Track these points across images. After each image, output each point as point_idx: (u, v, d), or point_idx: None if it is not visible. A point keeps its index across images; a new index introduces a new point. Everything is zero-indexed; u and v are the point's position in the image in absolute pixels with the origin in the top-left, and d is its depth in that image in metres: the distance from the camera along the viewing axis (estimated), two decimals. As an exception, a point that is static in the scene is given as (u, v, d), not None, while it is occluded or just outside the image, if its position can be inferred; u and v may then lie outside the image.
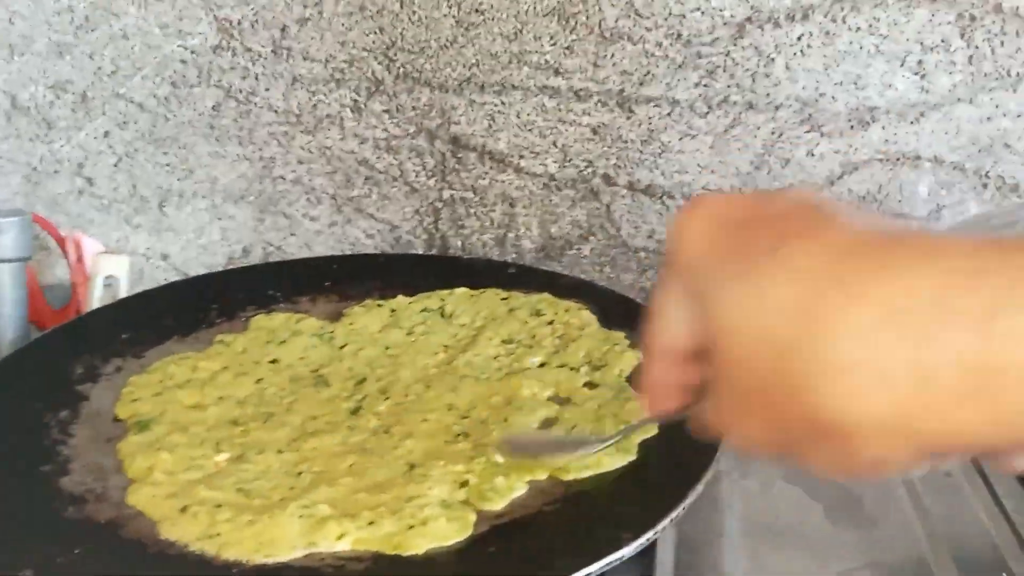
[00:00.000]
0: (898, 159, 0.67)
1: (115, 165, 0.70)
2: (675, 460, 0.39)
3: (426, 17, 0.65)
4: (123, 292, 0.63)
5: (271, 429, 0.45)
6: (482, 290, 0.59)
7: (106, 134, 0.69)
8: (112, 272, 0.63)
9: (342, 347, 0.53)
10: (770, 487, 0.48)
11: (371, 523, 0.35)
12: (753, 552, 0.42)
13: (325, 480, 0.39)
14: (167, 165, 0.70)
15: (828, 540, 0.43)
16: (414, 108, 0.68)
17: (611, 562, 0.31)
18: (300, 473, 0.40)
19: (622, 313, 0.55)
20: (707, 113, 0.67)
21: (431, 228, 0.71)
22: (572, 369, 0.49)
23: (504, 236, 0.71)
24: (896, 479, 0.48)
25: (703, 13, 0.64)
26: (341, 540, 0.34)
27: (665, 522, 0.33)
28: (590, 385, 0.48)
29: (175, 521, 0.36)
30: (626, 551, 0.32)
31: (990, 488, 0.48)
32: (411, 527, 0.35)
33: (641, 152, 0.68)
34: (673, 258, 0.28)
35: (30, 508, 0.37)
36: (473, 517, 0.36)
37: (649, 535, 0.32)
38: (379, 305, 0.58)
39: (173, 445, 0.42)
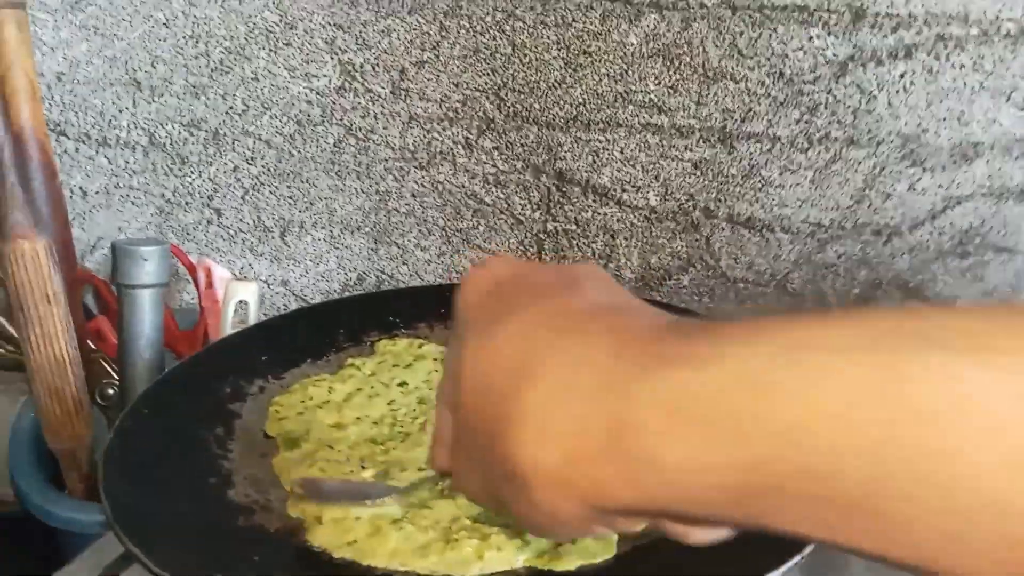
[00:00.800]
0: (1002, 194, 0.67)
1: (242, 198, 0.75)
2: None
3: (536, 59, 0.69)
4: (252, 316, 0.67)
5: (408, 448, 0.47)
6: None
7: (235, 168, 0.74)
8: (243, 297, 0.67)
9: (463, 372, 0.56)
10: None
11: (527, 541, 0.37)
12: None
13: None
14: (290, 198, 0.74)
15: None
16: (522, 145, 0.71)
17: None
18: (442, 491, 0.43)
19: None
20: (808, 149, 0.68)
21: (535, 258, 0.74)
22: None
23: (605, 266, 0.73)
24: None
25: (805, 52, 0.66)
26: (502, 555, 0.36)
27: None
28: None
29: (349, 548, 0.38)
30: (784, 568, 0.33)
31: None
32: (559, 545, 0.37)
33: (741, 186, 0.70)
34: (455, 311, 0.31)
35: (206, 517, 0.40)
36: (615, 537, 0.38)
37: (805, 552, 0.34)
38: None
39: (322, 461, 0.45)
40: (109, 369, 0.70)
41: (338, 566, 0.37)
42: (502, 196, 0.73)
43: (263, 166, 0.74)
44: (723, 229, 0.71)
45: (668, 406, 0.22)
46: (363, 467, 0.45)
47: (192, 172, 0.75)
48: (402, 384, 0.55)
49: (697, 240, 0.72)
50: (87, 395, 0.66)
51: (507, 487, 0.25)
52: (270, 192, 0.75)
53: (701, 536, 0.26)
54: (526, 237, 0.73)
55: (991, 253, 0.68)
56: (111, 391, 0.70)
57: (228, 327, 0.65)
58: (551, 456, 0.24)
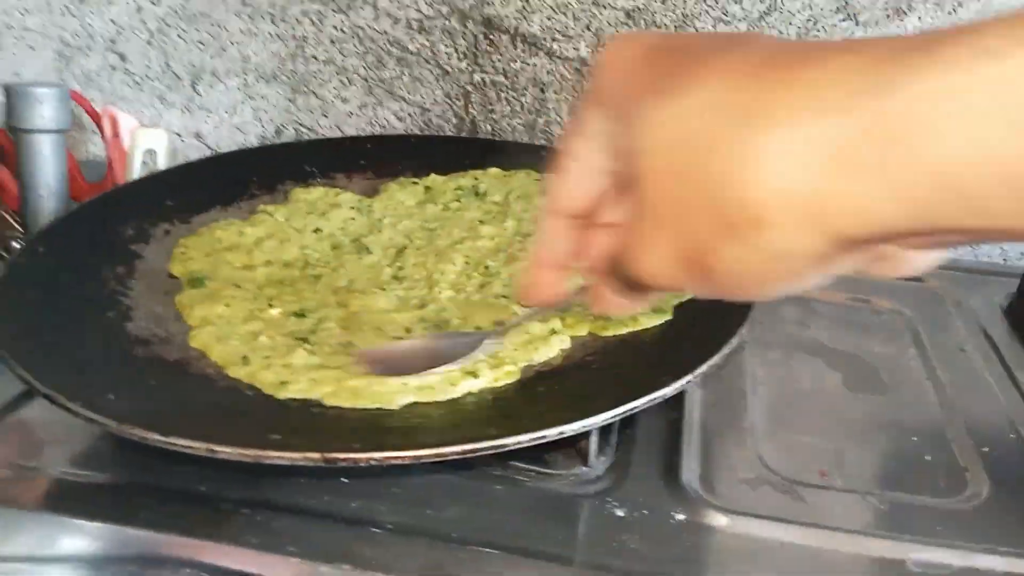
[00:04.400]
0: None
1: (147, 41, 0.70)
2: (706, 321, 0.41)
3: None
4: (161, 166, 0.64)
5: (320, 288, 0.47)
6: (514, 171, 0.60)
7: (139, 9, 0.69)
8: (151, 146, 0.64)
9: (380, 219, 0.55)
10: (790, 357, 0.50)
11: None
12: (773, 412, 0.44)
13: (386, 332, 0.41)
14: (200, 42, 0.70)
15: (846, 404, 0.46)
16: (448, -13, 0.67)
17: (653, 399, 0.34)
18: (357, 326, 0.42)
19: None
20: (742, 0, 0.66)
21: (461, 112, 0.72)
22: (605, 243, 0.51)
23: (535, 121, 0.71)
24: (907, 352, 0.51)
25: None
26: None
27: (703, 368, 0.35)
28: (623, 257, 0.49)
29: (241, 368, 0.38)
30: (667, 390, 0.34)
31: (1002, 361, 0.50)
32: (468, 372, 0.37)
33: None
34: (594, 89, 0.28)
35: (102, 347, 0.39)
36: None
37: (688, 378, 0.35)
38: (414, 183, 0.59)
39: (228, 298, 0.44)
40: (12, 221, 0.67)
41: (226, 390, 0.36)
42: (427, 44, 0.69)
43: (169, 7, 0.69)
44: (654, 84, 0.70)
45: (945, 97, 0.21)
46: (271, 305, 0.44)
47: (92, 12, 0.69)
48: (316, 231, 0.53)
49: (627, 95, 0.70)
50: (-12, 246, 0.63)
51: (728, 241, 0.24)
52: (178, 36, 0.70)
53: (921, 262, 0.25)
54: (452, 88, 0.71)
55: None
56: (16, 244, 0.66)
57: (135, 177, 0.62)
58: (797, 185, 0.22)
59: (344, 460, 0.30)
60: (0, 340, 0.35)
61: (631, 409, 0.33)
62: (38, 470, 0.38)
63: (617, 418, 0.33)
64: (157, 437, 0.30)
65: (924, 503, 0.38)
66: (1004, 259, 0.68)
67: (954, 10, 0.65)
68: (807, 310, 0.55)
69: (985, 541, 0.36)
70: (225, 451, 0.30)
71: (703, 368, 0.35)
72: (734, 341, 0.37)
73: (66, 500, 0.36)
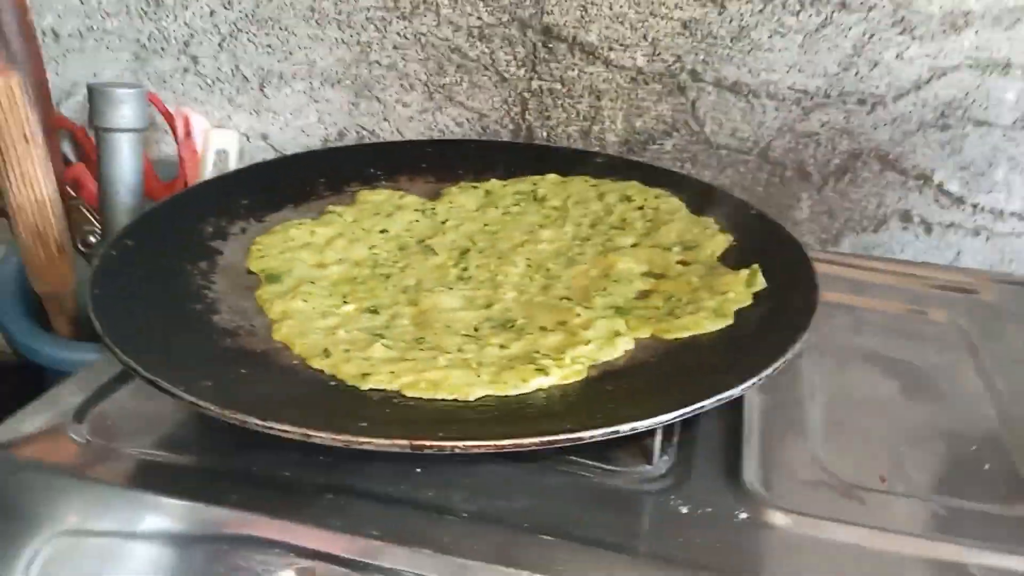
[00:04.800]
0: (987, 66, 0.67)
1: (219, 45, 0.73)
2: (768, 326, 0.42)
3: (526, -96, 0.66)
4: (232, 165, 0.67)
5: (390, 287, 0.48)
6: (572, 176, 0.62)
7: (211, 13, 0.72)
8: (222, 147, 0.67)
9: (444, 222, 0.57)
10: (846, 365, 0.51)
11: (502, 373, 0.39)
12: (831, 417, 0.45)
13: (456, 330, 0.43)
14: (268, 46, 0.73)
15: (903, 412, 0.46)
16: (509, -3, 0.69)
17: (720, 399, 0.35)
18: (428, 323, 0.44)
19: (709, 201, 0.57)
20: (799, 11, 0.67)
21: (518, 118, 0.73)
22: (665, 249, 0.52)
23: (589, 128, 0.73)
24: (964, 362, 0.51)
25: (804, -93, 0.64)
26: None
27: (769, 371, 0.36)
28: (683, 264, 0.51)
29: (323, 360, 0.40)
30: (733, 392, 0.35)
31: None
32: (539, 369, 0.39)
33: (730, 49, 0.69)
34: None
35: (192, 338, 0.41)
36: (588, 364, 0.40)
37: (754, 381, 0.36)
38: (474, 187, 0.61)
39: (305, 294, 0.46)
40: (90, 216, 0.70)
41: (309, 380, 0.38)
42: (486, 51, 0.71)
43: (240, 11, 0.71)
44: (709, 93, 0.71)
45: None
46: (345, 301, 0.46)
47: (167, 16, 0.72)
48: (383, 231, 0.55)
49: (682, 104, 0.71)
50: (69, 238, 0.66)
51: None
52: (248, 40, 0.72)
53: None
54: (510, 95, 0.73)
55: (971, 126, 0.69)
56: (93, 238, 0.70)
57: (207, 175, 0.65)
58: None
59: (431, 447, 0.32)
60: (104, 328, 0.37)
61: (700, 408, 0.34)
62: (125, 451, 0.40)
63: (686, 416, 0.34)
64: (256, 422, 0.32)
65: (985, 510, 0.39)
66: (1014, 266, 0.69)
67: (1011, 26, 0.65)
68: (861, 319, 0.56)
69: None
70: (319, 436, 0.31)
71: (770, 370, 0.36)
72: (798, 345, 0.39)
73: (153, 479, 0.38)
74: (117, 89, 0.63)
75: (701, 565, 0.35)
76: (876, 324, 0.55)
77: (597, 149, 0.73)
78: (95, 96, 0.63)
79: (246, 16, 0.72)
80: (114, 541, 0.38)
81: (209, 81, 0.74)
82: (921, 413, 0.46)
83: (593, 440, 0.33)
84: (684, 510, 0.38)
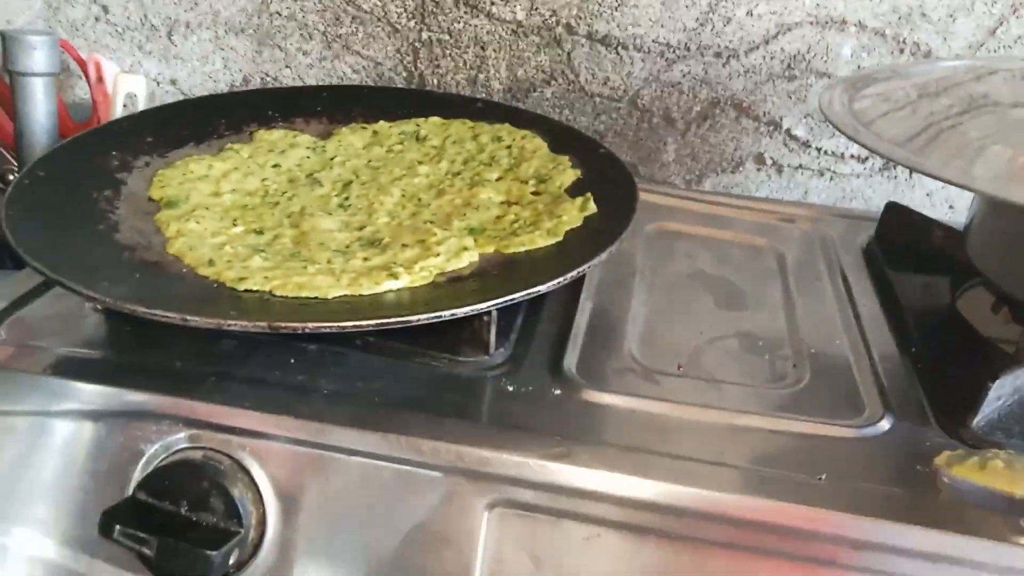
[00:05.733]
0: (826, 23, 0.76)
1: (127, -6, 0.77)
2: (589, 243, 0.50)
3: None
4: (141, 108, 0.72)
5: (277, 213, 0.55)
6: (453, 120, 0.69)
7: (118, -36, 0.76)
8: (131, 90, 0.72)
9: (332, 158, 0.64)
10: (674, 282, 0.60)
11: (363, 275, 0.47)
12: (648, 323, 0.54)
13: (329, 247, 0.50)
14: (174, -3, 0.77)
15: (711, 319, 0.56)
16: (398, -47, 0.75)
17: (529, 293, 0.43)
18: (305, 242, 0.51)
19: (570, 141, 0.65)
20: (660, -29, 0.75)
21: (410, 66, 0.80)
22: (523, 182, 0.60)
23: (475, 76, 0.80)
24: (773, 281, 0.61)
25: None
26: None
27: (573, 274, 0.45)
28: (536, 194, 0.59)
29: (208, 268, 0.47)
30: (540, 288, 0.43)
31: (848, 290, 0.60)
32: (391, 274, 0.47)
33: (600, 5, 0.76)
34: None
35: (95, 250, 0.48)
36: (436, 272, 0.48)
37: (558, 280, 0.44)
38: (363, 128, 0.68)
39: (199, 217, 0.52)
40: (7, 156, 0.75)
41: (196, 283, 0.45)
42: (379, 3, 0.77)
43: (147, -37, 0.76)
44: (583, 46, 0.78)
45: None
46: (235, 224, 0.53)
47: (76, -34, 0.76)
48: (275, 166, 0.62)
49: (559, 55, 0.79)
50: (-15, 176, 0.71)
51: None
52: (155, -10, 0.77)
53: None
54: (402, 45, 0.79)
55: (813, 77, 0.78)
56: (11, 176, 0.74)
57: (118, 116, 0.70)
58: None
59: (285, 328, 0.39)
60: (18, 241, 0.44)
61: (509, 300, 0.43)
62: (45, 348, 0.47)
63: (497, 305, 0.42)
64: (143, 310, 0.39)
65: (755, 387, 0.48)
66: (868, 207, 0.79)
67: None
68: (699, 246, 0.65)
69: (799, 413, 0.46)
70: (195, 320, 0.39)
71: (571, 275, 0.45)
72: (604, 255, 0.47)
73: (65, 368, 0.45)
74: (30, 36, 0.67)
75: (519, 426, 0.43)
76: (710, 250, 0.65)
77: (483, 96, 0.80)
78: (9, 42, 0.67)
79: (152, -33, 0.76)
80: (35, 419, 0.45)
81: (119, 29, 0.79)
82: (726, 320, 0.56)
83: (420, 323, 0.41)
84: (511, 389, 0.46)
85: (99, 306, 0.46)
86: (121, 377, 0.44)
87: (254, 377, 0.45)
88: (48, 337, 0.47)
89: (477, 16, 0.77)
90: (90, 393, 0.44)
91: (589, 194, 0.55)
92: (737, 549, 0.39)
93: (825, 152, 0.80)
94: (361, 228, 0.54)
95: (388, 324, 0.40)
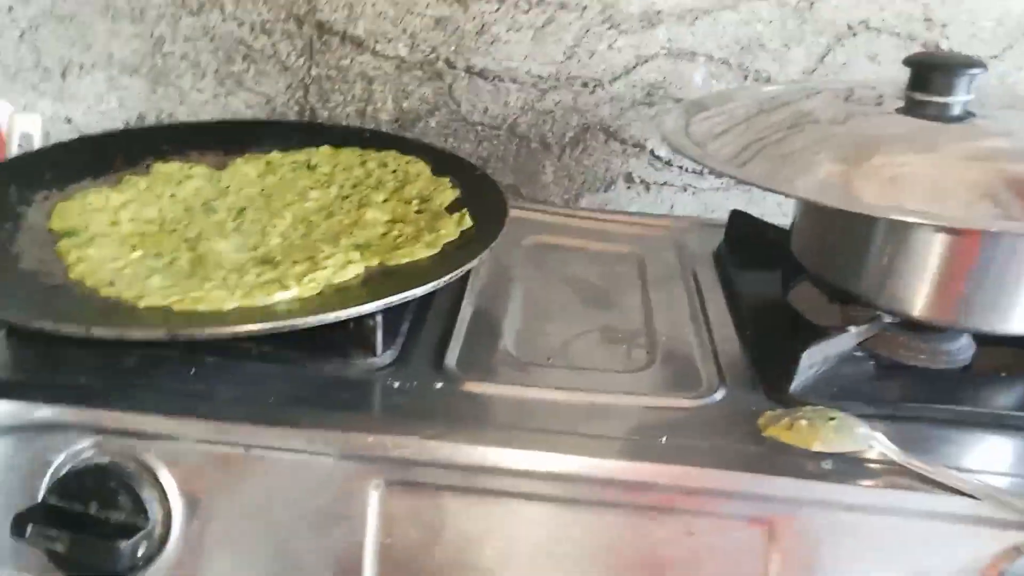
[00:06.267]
0: (679, 54, 0.85)
1: (20, 38, 0.80)
2: (464, 253, 0.57)
3: (294, -82, 0.77)
4: (36, 147, 0.75)
5: (175, 238, 0.59)
6: (342, 148, 0.74)
7: (10, 9, 0.79)
8: (26, 130, 0.74)
9: (227, 187, 0.68)
10: (547, 286, 0.66)
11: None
12: (523, 322, 0.60)
13: (224, 266, 0.55)
14: (68, 39, 0.80)
15: (578, 317, 0.62)
16: (285, -3, 0.80)
17: (404, 297, 0.49)
18: (202, 262, 0.56)
19: (450, 165, 0.71)
20: (528, 10, 0.82)
21: (302, 101, 0.85)
22: (406, 202, 0.66)
23: (364, 109, 0.86)
24: (633, 283, 0.68)
25: (525, -74, 0.79)
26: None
27: (442, 281, 0.51)
28: (418, 212, 0.65)
29: (109, 288, 0.51)
30: (409, 293, 0.49)
31: (699, 289, 0.68)
32: (282, 287, 0.51)
33: (476, 41, 0.83)
34: None
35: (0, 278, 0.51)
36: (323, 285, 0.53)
37: (431, 285, 0.50)
38: (257, 158, 0.72)
39: (98, 245, 0.56)
40: None
41: (102, 303, 0.49)
42: (269, 43, 0.82)
43: (39, 7, 0.79)
44: (463, 79, 0.85)
45: None
46: (133, 249, 0.57)
47: (-34, 11, 0.79)
48: (172, 196, 0.66)
49: (442, 87, 0.85)
50: None
51: None
52: (48, 33, 0.80)
53: None
54: (293, 82, 0.84)
55: (671, 103, 0.87)
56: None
57: (13, 155, 0.73)
58: None
59: (183, 335, 0.44)
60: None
61: (390, 301, 0.48)
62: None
63: (380, 308, 0.48)
64: (50, 324, 0.43)
65: (613, 372, 0.55)
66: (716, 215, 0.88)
67: (692, 23, 0.83)
68: (572, 255, 0.72)
69: (647, 391, 0.53)
70: (100, 331, 0.43)
71: (445, 279, 0.51)
72: (474, 262, 0.53)
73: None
74: (-81, 78, 0.69)
75: (404, 415, 0.49)
76: (581, 259, 0.72)
77: (372, 127, 0.86)
78: (-102, 85, 0.69)
79: (44, 12, 0.79)
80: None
81: (12, 71, 0.81)
82: (591, 317, 0.62)
83: (307, 325, 0.46)
84: (397, 385, 0.52)
85: (2, 327, 0.49)
86: (28, 393, 0.48)
87: (157, 386, 0.49)
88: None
89: (363, 53, 0.83)
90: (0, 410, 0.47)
91: (465, 210, 0.62)
92: (590, 505, 0.46)
93: (686, 170, 0.89)
94: (255, 248, 0.59)
95: (278, 328, 0.45)
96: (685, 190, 0.90)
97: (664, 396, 0.53)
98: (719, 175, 0.54)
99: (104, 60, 0.82)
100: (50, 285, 0.51)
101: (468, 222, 0.61)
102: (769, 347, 0.57)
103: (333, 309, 0.47)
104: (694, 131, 0.63)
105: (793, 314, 0.61)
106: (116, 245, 0.57)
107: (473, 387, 0.52)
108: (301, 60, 0.83)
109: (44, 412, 0.47)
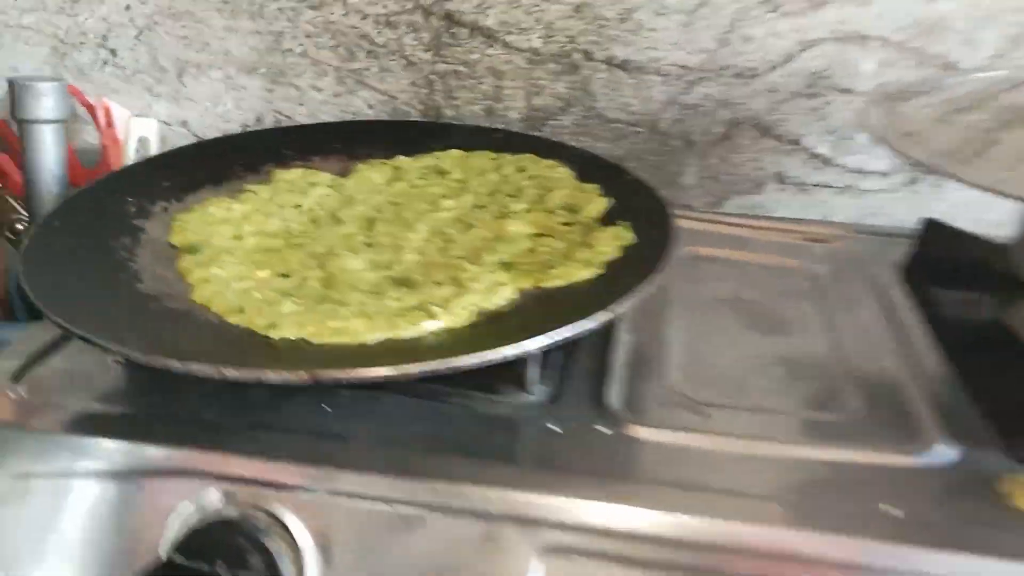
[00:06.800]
0: (847, 38, 0.75)
1: (136, 37, 0.76)
2: (630, 274, 0.49)
3: (421, -101, 0.71)
4: (153, 151, 0.71)
5: (301, 254, 0.54)
6: (474, 152, 0.67)
7: (127, 7, 0.75)
8: (143, 134, 0.71)
9: (353, 196, 0.62)
10: (708, 308, 0.58)
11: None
12: (689, 351, 0.52)
13: (359, 288, 0.49)
14: (184, 38, 0.76)
15: (752, 345, 0.54)
16: (411, -14, 0.74)
17: (578, 331, 0.41)
18: (334, 283, 0.50)
19: (594, 170, 0.63)
20: (677, -7, 0.74)
21: (426, 99, 0.79)
22: (550, 212, 0.59)
23: (492, 107, 0.79)
24: (811, 304, 0.59)
25: (675, -102, 0.70)
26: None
27: (621, 308, 0.43)
28: (566, 224, 0.57)
29: (238, 315, 0.45)
30: (587, 323, 0.41)
31: (889, 309, 0.58)
32: (428, 315, 0.45)
33: (618, 29, 0.75)
34: None
35: (119, 302, 0.46)
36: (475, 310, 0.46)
37: (608, 315, 0.42)
38: (384, 163, 0.66)
39: (222, 263, 0.51)
40: (15, 205, 0.73)
41: (227, 333, 0.43)
42: (393, 37, 0.76)
43: (156, 5, 0.75)
44: (601, 71, 0.77)
45: None
46: (258, 266, 0.51)
47: (84, 11, 0.75)
48: (296, 206, 0.60)
49: (577, 82, 0.78)
50: (-5, 227, 0.70)
51: None
52: (164, 32, 0.76)
53: None
54: (418, 78, 0.78)
55: (835, 94, 0.76)
56: (20, 226, 0.73)
57: (130, 162, 0.69)
58: None
59: (327, 377, 0.37)
60: (37, 294, 0.42)
61: (556, 339, 0.41)
62: (65, 405, 0.45)
63: (544, 346, 0.40)
64: (176, 364, 0.37)
65: (803, 415, 0.46)
66: (903, 224, 0.77)
67: (865, 2, 0.73)
68: (730, 269, 0.63)
69: (851, 441, 0.44)
70: (231, 372, 0.37)
71: (619, 308, 0.43)
72: (646, 287, 0.45)
73: (91, 426, 0.43)
74: (39, 83, 0.66)
75: (566, 467, 0.41)
76: (741, 273, 0.63)
77: (501, 126, 0.79)
78: (18, 90, 0.66)
79: (161, 10, 0.75)
80: (57, 481, 0.43)
81: (128, 72, 0.78)
82: (767, 345, 0.54)
83: (469, 367, 0.39)
84: (554, 427, 0.44)
85: (124, 360, 0.44)
86: (147, 432, 0.42)
87: (287, 426, 0.43)
88: (68, 393, 0.46)
89: (493, 46, 0.76)
90: (115, 451, 0.42)
91: (624, 223, 0.54)
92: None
93: (847, 169, 0.79)
94: (389, 267, 0.52)
95: (438, 370, 0.38)
96: (845, 191, 0.80)
97: (876, 450, 0.43)
98: (954, 179, 0.44)
99: (221, 59, 0.77)
100: (173, 310, 0.46)
101: (628, 236, 0.53)
102: (1000, 388, 0.47)
103: (491, 344, 0.40)
104: (896, 124, 0.53)
105: (1020, 345, 0.51)
106: (241, 263, 0.52)
107: (643, 432, 0.44)
108: (427, 55, 0.77)
109: (164, 453, 0.42)
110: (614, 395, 0.47)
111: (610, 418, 0.45)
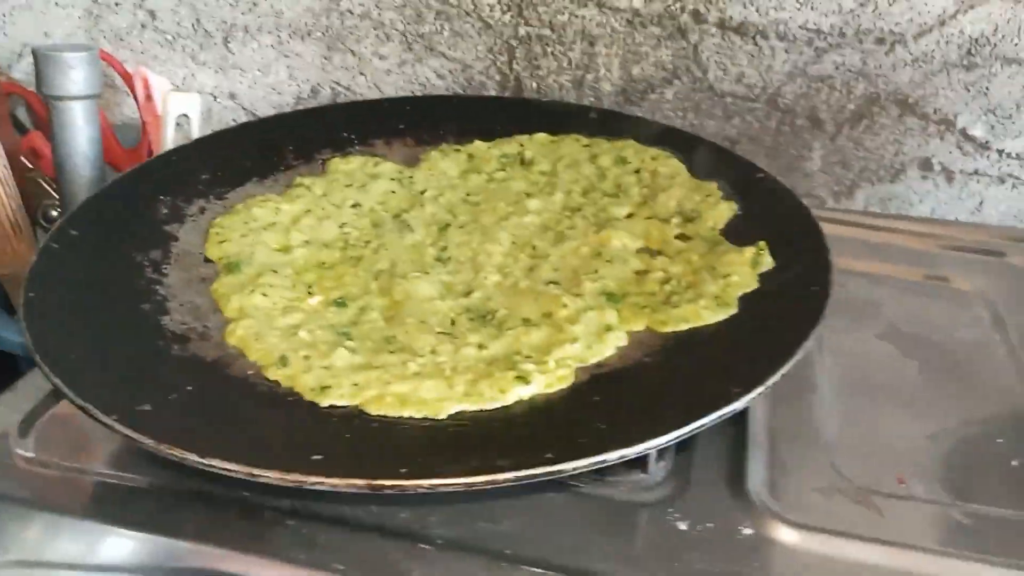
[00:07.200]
0: (1021, -3, 0.61)
1: (177, -3, 0.67)
2: (776, 315, 0.38)
3: None
4: (195, 131, 0.62)
5: (361, 272, 0.44)
6: (562, 135, 0.57)
7: (166, -38, 0.66)
8: (184, 111, 0.62)
9: (422, 191, 0.52)
10: (862, 343, 0.47)
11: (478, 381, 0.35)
12: (845, 408, 0.41)
13: (430, 325, 0.39)
14: (231, -3, 0.67)
15: (923, 397, 0.42)
16: (490, -66, 0.63)
17: (723, 415, 0.31)
18: (400, 318, 0.40)
19: (712, 162, 0.52)
20: (812, -59, 0.61)
21: (505, 68, 0.68)
22: (662, 221, 0.48)
23: (582, 78, 0.67)
24: (990, 337, 0.47)
25: None
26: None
27: (775, 377, 0.32)
28: (682, 238, 0.46)
29: (280, 370, 0.36)
30: (737, 405, 0.31)
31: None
32: (519, 377, 0.34)
33: (735, -14, 0.63)
34: None
35: (139, 345, 0.37)
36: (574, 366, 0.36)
37: (760, 389, 0.32)
38: (457, 150, 0.56)
39: (266, 287, 0.41)
40: (49, 189, 0.65)
41: (265, 396, 0.34)
42: (468, -4, 0.65)
43: (198, -41, 0.65)
44: (712, 36, 0.65)
45: None
46: (310, 293, 0.42)
47: (119, -34, 0.66)
48: (355, 205, 0.51)
49: (684, 48, 0.66)
50: (25, 216, 0.62)
51: None
52: (208, -10, 0.67)
53: None
54: (495, 43, 0.67)
55: (999, 65, 0.63)
56: (54, 212, 0.65)
57: (169, 144, 0.60)
58: None
59: (391, 488, 0.28)
60: (34, 342, 0.34)
61: (696, 428, 0.30)
62: (78, 471, 0.37)
63: (680, 438, 0.30)
64: (195, 459, 0.29)
65: (1013, 517, 0.35)
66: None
67: None
68: (877, 290, 0.52)
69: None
70: (266, 475, 0.28)
71: (775, 378, 0.32)
72: (808, 344, 0.34)
73: (108, 506, 0.35)
74: (64, 53, 0.57)
75: (697, 591, 0.31)
76: (893, 295, 0.51)
77: (591, 101, 0.67)
78: (41, 61, 0.57)
79: (204, -36, 0.66)
80: (70, 573, 0.35)
81: (169, 37, 0.69)
82: (943, 399, 0.42)
83: (577, 472, 0.29)
84: (683, 527, 0.34)
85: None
86: (173, 519, 0.34)
87: (344, 518, 0.34)
88: (79, 454, 0.37)
89: (585, 5, 0.64)
90: (134, 542, 0.34)
91: (763, 243, 0.43)
92: None
93: (1008, 155, 0.66)
94: (467, 293, 0.42)
95: (536, 476, 0.28)
96: (1003, 182, 0.67)
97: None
98: None
99: (272, 21, 0.67)
100: (202, 361, 0.37)
101: (768, 261, 0.42)
102: None
103: (609, 435, 0.30)
104: None
105: None
106: (287, 287, 0.42)
107: (801, 539, 0.34)
108: (507, 16, 0.65)
109: (194, 548, 0.33)
110: (755, 478, 0.37)
111: (753, 512, 0.35)
